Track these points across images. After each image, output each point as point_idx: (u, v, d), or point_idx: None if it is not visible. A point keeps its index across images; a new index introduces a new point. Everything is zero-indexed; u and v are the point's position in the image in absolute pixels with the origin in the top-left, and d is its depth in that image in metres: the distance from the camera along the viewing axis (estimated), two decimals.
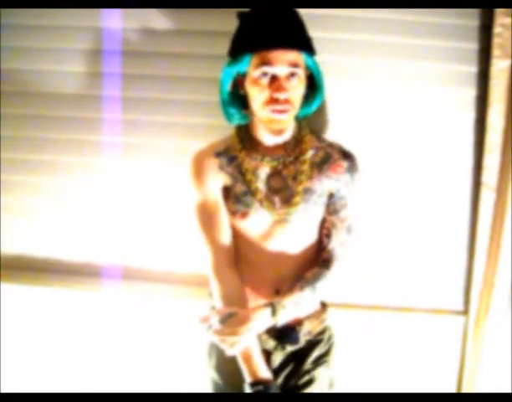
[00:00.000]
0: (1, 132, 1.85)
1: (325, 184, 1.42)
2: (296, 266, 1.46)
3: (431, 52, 1.71)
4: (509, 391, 1.84)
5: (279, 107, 1.31)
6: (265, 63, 1.29)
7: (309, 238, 1.47)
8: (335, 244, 1.44)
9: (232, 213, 1.43)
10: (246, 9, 1.39)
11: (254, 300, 1.46)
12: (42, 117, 1.84)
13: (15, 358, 2.01)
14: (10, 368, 2.01)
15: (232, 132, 1.50)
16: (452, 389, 1.92)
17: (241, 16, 1.38)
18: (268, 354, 1.47)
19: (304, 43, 1.34)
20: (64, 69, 1.80)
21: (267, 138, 1.42)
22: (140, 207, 1.87)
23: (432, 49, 1.71)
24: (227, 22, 1.69)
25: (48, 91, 1.82)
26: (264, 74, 1.30)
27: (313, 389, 1.47)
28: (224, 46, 1.68)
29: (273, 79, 1.31)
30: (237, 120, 1.46)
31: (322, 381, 1.49)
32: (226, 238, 1.46)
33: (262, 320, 1.36)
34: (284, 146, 1.44)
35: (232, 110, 1.43)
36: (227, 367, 1.48)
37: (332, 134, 1.73)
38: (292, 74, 1.31)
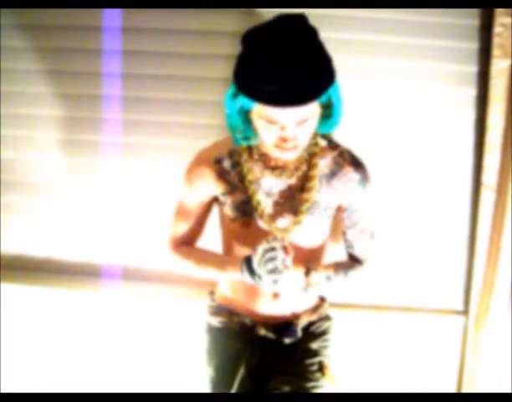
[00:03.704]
0: (1, 132, 1.85)
1: (331, 197, 1.38)
2: (296, 272, 1.45)
3: (431, 52, 1.71)
4: (509, 391, 1.84)
5: (286, 152, 1.25)
6: (269, 120, 1.19)
7: (311, 248, 1.44)
8: (361, 252, 1.46)
9: (231, 220, 1.41)
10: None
11: (251, 305, 1.45)
12: (42, 117, 1.84)
13: (15, 358, 2.01)
14: (10, 368, 2.01)
15: None
16: (452, 389, 1.92)
17: (245, 42, 1.22)
18: (264, 346, 1.47)
19: (317, 90, 1.18)
20: (64, 69, 1.80)
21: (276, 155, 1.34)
22: (140, 207, 1.87)
23: (432, 49, 1.71)
24: (227, 22, 1.70)
25: (49, 91, 1.82)
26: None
27: (307, 379, 1.46)
28: (225, 46, 1.69)
29: (278, 127, 1.21)
30: (244, 142, 1.35)
31: (316, 371, 1.48)
32: (192, 233, 1.48)
33: (295, 276, 1.37)
34: (295, 159, 1.36)
35: (240, 135, 1.32)
36: (227, 366, 1.48)
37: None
38: (297, 124, 1.21)
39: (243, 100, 1.23)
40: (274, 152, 1.28)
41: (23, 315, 1.97)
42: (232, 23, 1.68)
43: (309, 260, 1.43)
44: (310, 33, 1.20)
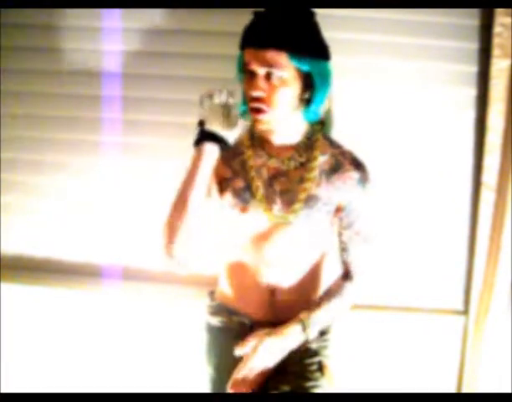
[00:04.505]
0: (1, 132, 1.85)
1: (331, 194, 1.40)
2: (295, 270, 1.45)
3: (431, 52, 1.71)
4: (509, 391, 1.84)
5: (254, 105, 1.30)
6: (246, 62, 1.30)
7: (311, 244, 1.45)
8: (354, 258, 1.46)
9: (231, 205, 1.43)
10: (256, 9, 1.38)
11: (248, 298, 1.46)
12: (42, 117, 1.84)
13: (15, 358, 2.01)
14: (10, 368, 2.01)
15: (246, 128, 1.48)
16: (452, 389, 1.92)
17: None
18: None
19: (288, 44, 1.27)
20: (64, 69, 1.80)
21: (276, 138, 1.40)
22: (140, 207, 1.87)
23: (432, 49, 1.71)
24: (227, 22, 1.70)
25: (49, 91, 1.82)
26: (248, 71, 1.30)
27: (307, 378, 1.46)
28: (225, 46, 1.69)
29: (253, 78, 1.30)
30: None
31: (315, 371, 1.48)
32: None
33: (293, 336, 1.39)
34: (294, 148, 1.41)
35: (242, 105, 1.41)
36: (227, 366, 1.48)
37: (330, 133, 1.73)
38: (270, 74, 1.28)
39: (238, 63, 1.37)
40: (251, 115, 1.33)
41: (23, 315, 1.97)
42: (232, 23, 1.68)
43: (303, 262, 1.45)
44: (307, 9, 1.32)
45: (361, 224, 1.44)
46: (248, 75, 1.31)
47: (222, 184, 1.45)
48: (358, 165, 1.42)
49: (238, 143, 1.45)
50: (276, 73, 1.28)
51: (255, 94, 1.29)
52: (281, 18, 1.28)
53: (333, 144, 1.45)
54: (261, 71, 1.28)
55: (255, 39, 1.28)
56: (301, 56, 1.29)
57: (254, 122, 1.35)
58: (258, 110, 1.31)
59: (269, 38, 1.27)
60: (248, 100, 1.33)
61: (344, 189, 1.40)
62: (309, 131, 1.43)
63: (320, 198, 1.39)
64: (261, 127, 1.35)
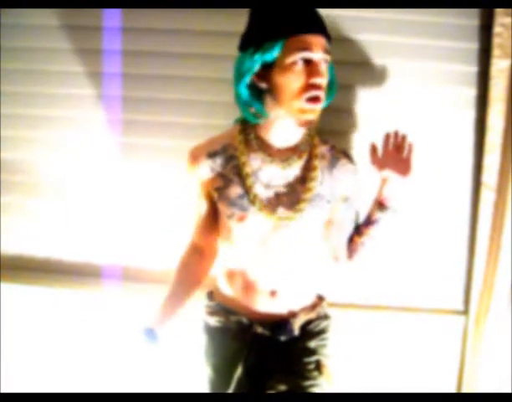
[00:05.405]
0: (1, 132, 1.85)
1: (335, 188, 1.41)
2: (294, 269, 1.45)
3: (431, 52, 1.71)
4: (509, 391, 1.84)
5: (315, 93, 1.26)
6: (305, 47, 1.25)
7: (309, 242, 1.45)
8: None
9: (228, 216, 1.40)
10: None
11: (249, 303, 1.45)
12: (42, 117, 1.84)
13: (15, 358, 2.01)
14: (10, 368, 2.01)
15: (234, 129, 1.45)
16: (452, 389, 1.92)
17: (256, 8, 1.33)
18: (262, 345, 1.46)
19: (326, 31, 1.32)
20: (64, 69, 1.80)
21: (278, 140, 1.38)
22: (140, 207, 1.87)
23: (432, 49, 1.71)
24: (228, 22, 1.70)
25: (49, 91, 1.82)
26: (301, 59, 1.26)
27: (305, 377, 1.46)
28: (225, 46, 1.69)
29: (308, 65, 1.27)
30: (256, 119, 1.36)
31: (313, 370, 1.48)
32: (202, 235, 1.52)
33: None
34: (293, 148, 1.39)
35: (257, 106, 1.33)
36: (225, 366, 1.48)
37: (330, 133, 1.73)
38: (323, 61, 1.28)
39: (266, 54, 1.26)
40: (300, 105, 1.28)
41: (23, 315, 1.97)
42: (232, 23, 1.68)
43: (302, 261, 1.45)
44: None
45: (355, 210, 1.48)
46: (294, 65, 1.26)
47: (214, 194, 1.42)
48: (350, 157, 1.46)
49: (228, 146, 1.41)
50: (328, 59, 1.30)
51: (320, 80, 1.27)
52: (315, 8, 1.31)
53: (322, 140, 1.45)
54: (319, 57, 1.27)
55: (314, 25, 1.27)
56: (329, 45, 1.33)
57: (303, 113, 1.30)
58: (316, 100, 1.28)
59: (322, 25, 1.29)
60: (302, 88, 1.27)
61: (344, 182, 1.42)
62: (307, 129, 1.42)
63: (324, 196, 1.39)
64: (310, 117, 1.31)
